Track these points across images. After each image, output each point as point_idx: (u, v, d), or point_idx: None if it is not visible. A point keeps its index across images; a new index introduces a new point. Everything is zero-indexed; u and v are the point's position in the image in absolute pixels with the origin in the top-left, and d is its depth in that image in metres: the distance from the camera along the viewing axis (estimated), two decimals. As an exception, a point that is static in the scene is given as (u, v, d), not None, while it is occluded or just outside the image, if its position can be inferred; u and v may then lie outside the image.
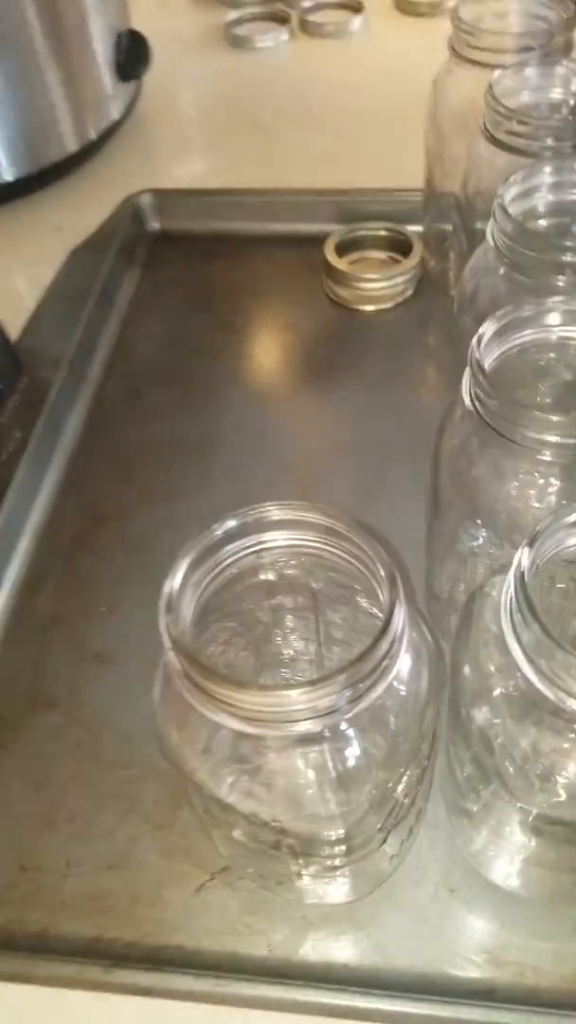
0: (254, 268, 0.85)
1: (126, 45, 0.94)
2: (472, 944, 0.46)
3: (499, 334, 0.43)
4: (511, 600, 0.34)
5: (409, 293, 0.82)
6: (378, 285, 0.80)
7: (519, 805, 0.41)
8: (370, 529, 0.36)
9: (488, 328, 0.43)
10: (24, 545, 0.65)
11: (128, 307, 0.83)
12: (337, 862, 0.42)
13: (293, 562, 0.40)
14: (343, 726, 0.34)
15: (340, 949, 0.46)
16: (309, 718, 0.31)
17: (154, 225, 0.90)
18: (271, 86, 1.09)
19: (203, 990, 0.45)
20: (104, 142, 0.98)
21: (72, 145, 0.94)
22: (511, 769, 0.39)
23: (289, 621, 0.47)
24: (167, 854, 0.50)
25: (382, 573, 0.35)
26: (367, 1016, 0.44)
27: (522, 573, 0.34)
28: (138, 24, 1.00)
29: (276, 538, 0.37)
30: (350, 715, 0.32)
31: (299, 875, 0.43)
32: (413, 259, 0.81)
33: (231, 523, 0.35)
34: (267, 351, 0.80)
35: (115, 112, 0.98)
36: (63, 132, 0.93)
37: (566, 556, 0.37)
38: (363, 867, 0.44)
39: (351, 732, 0.35)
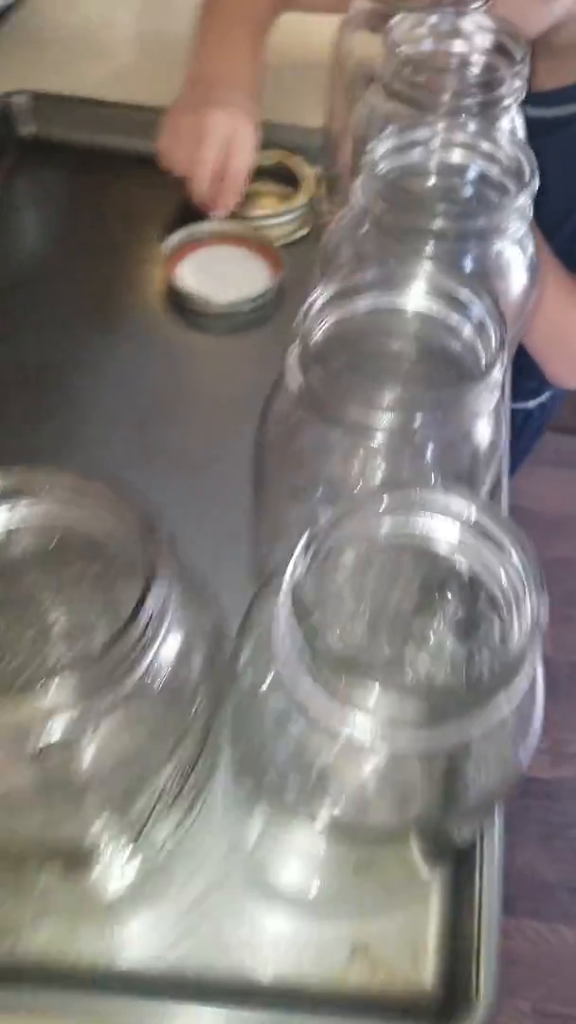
0: (129, 189, 0.78)
1: None
2: (233, 939, 0.44)
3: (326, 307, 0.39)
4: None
5: (303, 232, 0.76)
6: (268, 223, 0.75)
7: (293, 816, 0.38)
8: (120, 483, 0.32)
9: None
10: None
11: (-16, 215, 0.75)
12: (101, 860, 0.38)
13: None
14: (75, 731, 0.29)
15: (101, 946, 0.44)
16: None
17: (29, 129, 0.82)
18: (168, 9, 1.00)
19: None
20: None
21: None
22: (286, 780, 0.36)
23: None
24: None
25: (137, 528, 0.30)
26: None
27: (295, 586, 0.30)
28: None
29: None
30: (76, 721, 0.28)
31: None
32: (303, 196, 0.76)
33: None
34: (129, 282, 0.74)
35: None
36: None
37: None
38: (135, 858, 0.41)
39: (87, 735, 0.30)
